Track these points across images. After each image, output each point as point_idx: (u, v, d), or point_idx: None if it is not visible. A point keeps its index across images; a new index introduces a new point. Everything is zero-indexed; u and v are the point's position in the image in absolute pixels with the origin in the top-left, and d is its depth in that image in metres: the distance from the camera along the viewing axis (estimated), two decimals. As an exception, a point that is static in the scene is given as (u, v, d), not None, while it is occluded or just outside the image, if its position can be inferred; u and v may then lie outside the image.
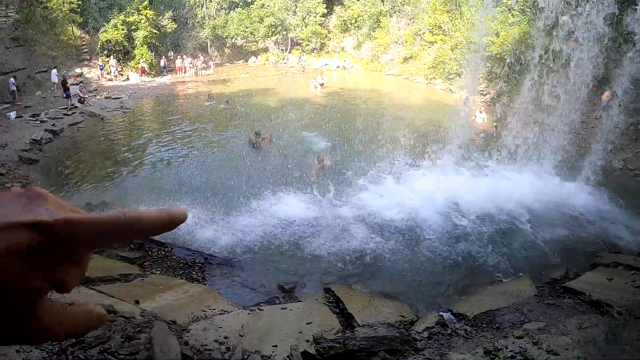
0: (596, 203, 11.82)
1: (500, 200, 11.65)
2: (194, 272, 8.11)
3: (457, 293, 8.24)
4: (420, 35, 29.21)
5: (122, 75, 29.02)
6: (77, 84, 23.25)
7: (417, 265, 9.03)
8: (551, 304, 7.41)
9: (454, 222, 10.78)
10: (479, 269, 9.02)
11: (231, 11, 37.48)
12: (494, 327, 6.86)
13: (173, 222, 0.51)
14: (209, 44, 38.66)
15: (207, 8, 36.36)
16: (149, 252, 8.63)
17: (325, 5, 36.48)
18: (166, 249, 8.78)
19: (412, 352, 5.90)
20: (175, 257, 8.59)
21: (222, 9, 37.49)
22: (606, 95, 15.81)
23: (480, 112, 19.26)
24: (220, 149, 16.72)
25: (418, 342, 6.23)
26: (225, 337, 5.33)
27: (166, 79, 30.60)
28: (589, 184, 12.70)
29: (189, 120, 20.74)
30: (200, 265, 8.38)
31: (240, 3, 37.51)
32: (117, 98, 23.76)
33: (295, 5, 36.75)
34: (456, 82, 25.04)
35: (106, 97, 23.72)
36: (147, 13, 30.40)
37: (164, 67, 31.69)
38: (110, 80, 28.04)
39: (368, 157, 14.95)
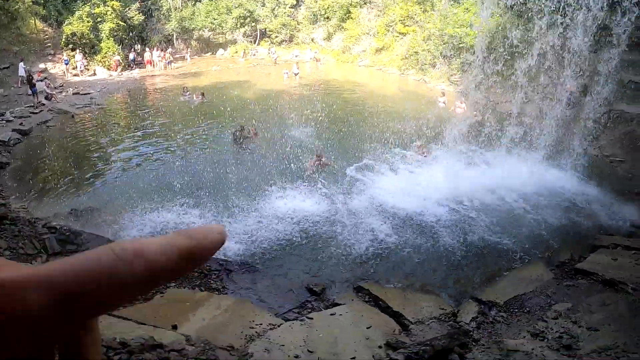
0: (582, 189, 12.05)
1: (497, 188, 11.69)
2: (212, 281, 7.53)
3: (479, 281, 8.17)
4: (392, 26, 28.99)
5: (88, 70, 27.32)
6: (41, 80, 21.68)
7: (434, 256, 8.88)
8: (571, 285, 7.73)
9: (459, 211, 10.66)
10: (491, 256, 8.99)
11: (197, 2, 36.04)
12: (525, 311, 7.09)
13: (209, 247, 0.36)
14: (174, 37, 37.16)
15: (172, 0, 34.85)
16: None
17: (294, -4, 35.69)
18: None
19: (473, 342, 5.91)
20: (188, 265, 7.99)
21: (188, 0, 36.00)
22: (570, 86, 16.12)
23: (461, 102, 19.22)
24: (205, 145, 15.89)
25: (472, 332, 6.30)
26: (296, 357, 4.89)
27: (135, 73, 29.11)
28: (573, 170, 12.91)
29: (166, 116, 19.72)
30: (216, 272, 7.79)
31: (207, -6, 36.12)
32: (87, 94, 22.32)
33: (264, -4, 35.79)
34: (430, 73, 24.98)
35: (75, 93, 22.24)
36: (113, 4, 28.67)
37: (133, 61, 30.13)
38: (76, 75, 26.32)
39: (359, 149, 14.62)
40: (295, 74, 27.93)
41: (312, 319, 6.18)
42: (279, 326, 5.90)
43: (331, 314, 6.39)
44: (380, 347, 5.50)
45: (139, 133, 17.25)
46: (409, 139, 14.87)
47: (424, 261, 8.75)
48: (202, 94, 21.80)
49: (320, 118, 18.08)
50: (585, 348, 5.91)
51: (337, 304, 6.98)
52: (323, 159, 12.67)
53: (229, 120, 17.79)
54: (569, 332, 6.27)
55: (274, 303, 7.13)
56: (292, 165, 12.84)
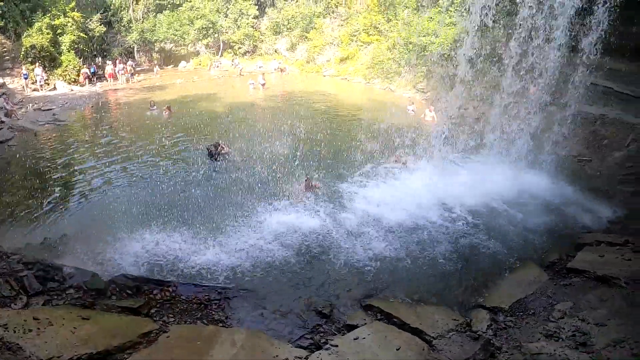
0: (557, 189, 12.10)
1: (478, 193, 11.55)
2: (214, 312, 6.86)
3: (478, 288, 7.94)
4: (355, 35, 28.88)
5: (48, 84, 25.67)
6: (0, 96, 20.13)
7: (431, 266, 8.61)
8: (567, 285, 7.66)
9: (447, 218, 10.46)
10: (485, 262, 8.84)
11: (159, 14, 34.75)
12: (530, 313, 6.97)
13: None
14: (135, 49, 35.71)
15: (133, 11, 33.39)
16: (151, 296, 7.20)
17: (257, 7, 34.99)
18: (170, 289, 7.41)
19: (496, 350, 5.71)
20: (183, 296, 7.22)
21: (149, 11, 34.65)
22: (533, 90, 16.43)
23: (430, 110, 19.24)
24: (179, 162, 14.92)
25: (492, 340, 6.16)
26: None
27: (97, 87, 27.64)
28: (547, 172, 12.95)
29: (134, 132, 18.52)
30: (217, 302, 7.13)
31: (168, 5, 34.86)
32: (49, 110, 20.89)
33: (227, 7, 34.87)
34: (396, 81, 24.97)
35: (36, 109, 20.77)
36: (74, 15, 27.07)
37: (94, 74, 28.62)
38: (36, 90, 24.70)
39: (339, 161, 14.30)
40: (262, 84, 27.42)
41: (337, 346, 5.70)
42: (306, 358, 5.37)
43: (354, 339, 5.92)
44: None
45: (107, 151, 16.03)
46: (386, 149, 14.62)
47: (422, 272, 8.44)
48: (169, 108, 20.83)
49: (295, 130, 17.57)
50: (600, 343, 5.90)
51: (351, 326, 6.53)
52: (312, 182, 11.89)
53: (200, 135, 16.94)
54: (580, 330, 6.23)
55: (283, 330, 6.56)
56: (275, 181, 12.26)
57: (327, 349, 5.64)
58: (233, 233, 9.46)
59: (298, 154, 14.51)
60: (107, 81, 29.02)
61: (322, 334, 6.42)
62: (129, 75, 29.96)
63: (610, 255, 8.27)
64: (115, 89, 27.90)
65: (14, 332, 5.06)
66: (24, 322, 5.34)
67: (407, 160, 13.71)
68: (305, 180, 11.74)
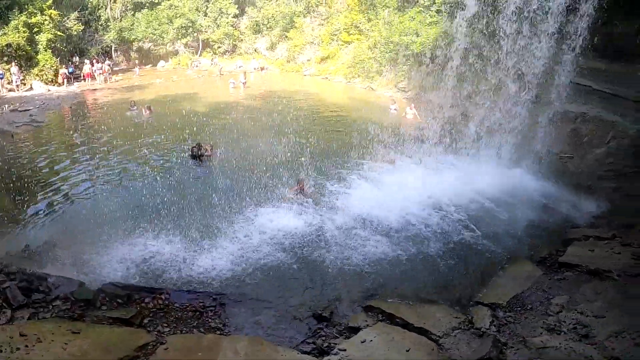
0: (542, 186, 12.11)
1: (467, 191, 11.52)
2: (210, 320, 6.52)
3: (474, 285, 7.83)
4: (336, 35, 28.63)
5: (24, 84, 24.61)
6: (-27, 98, 19.20)
7: (426, 264, 8.46)
8: (561, 279, 7.62)
9: (439, 216, 10.32)
10: (478, 258, 8.75)
11: (137, 12, 33.79)
12: (528, 308, 6.89)
13: None
14: (113, 48, 34.70)
15: (111, 9, 32.36)
16: (143, 305, 6.82)
17: (237, 6, 34.37)
18: (163, 297, 7.02)
19: (503, 346, 5.58)
20: (177, 304, 6.85)
21: (127, 10, 33.64)
22: (513, 89, 16.50)
23: (410, 108, 19.18)
24: (164, 164, 14.38)
25: (497, 336, 6.00)
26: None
27: (74, 87, 26.67)
28: (531, 169, 12.95)
29: (114, 132, 17.78)
30: (212, 308, 6.79)
31: (147, 4, 33.92)
32: (25, 110, 19.96)
33: (206, 5, 34.15)
34: (377, 81, 24.83)
35: (12, 110, 19.83)
36: (51, 13, 25.96)
37: (71, 74, 27.62)
38: (12, 90, 23.67)
39: (326, 160, 14.04)
40: (243, 83, 27.03)
41: (345, 350, 5.47)
42: None
43: (362, 342, 5.71)
44: None
45: (88, 153, 15.37)
46: (373, 148, 14.44)
47: (419, 271, 8.27)
48: (150, 108, 20.21)
49: (279, 130, 17.27)
50: (601, 335, 5.89)
51: (354, 328, 6.30)
52: (305, 187, 11.25)
53: (183, 135, 16.42)
54: (581, 323, 6.19)
55: (283, 335, 6.28)
56: (265, 182, 11.90)
57: (335, 354, 5.40)
58: (224, 236, 9.09)
59: (285, 153, 14.17)
60: (85, 81, 28.07)
61: (324, 338, 6.17)
62: (107, 75, 29.03)
63: (600, 249, 8.32)
64: (93, 89, 26.99)
65: (1, 351, 4.64)
66: (10, 340, 4.92)
67: (395, 160, 13.55)
68: (298, 183, 11.23)
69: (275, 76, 31.36)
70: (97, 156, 15.01)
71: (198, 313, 6.65)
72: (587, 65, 12.33)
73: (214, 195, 11.14)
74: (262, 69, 32.34)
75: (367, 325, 6.24)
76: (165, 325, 6.42)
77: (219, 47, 35.12)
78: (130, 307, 6.73)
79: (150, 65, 35.59)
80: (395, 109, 20.08)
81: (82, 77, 28.36)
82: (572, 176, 12.71)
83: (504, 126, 14.09)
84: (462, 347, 5.68)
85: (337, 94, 25.35)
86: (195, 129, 17.47)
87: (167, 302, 6.90)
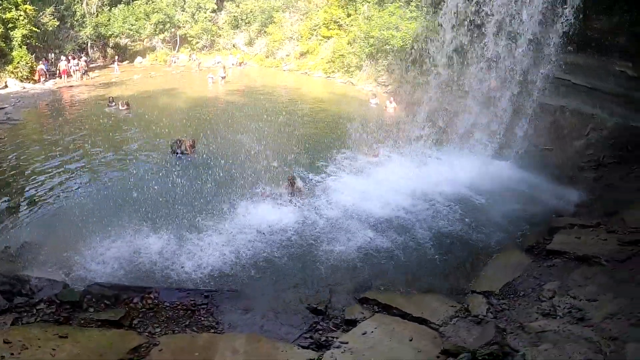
0: (524, 177, 12.15)
1: (452, 182, 11.51)
2: (202, 318, 6.26)
3: (467, 273, 7.82)
4: (315, 30, 28.32)
5: (-2, 82, 23.55)
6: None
7: (417, 254, 8.40)
8: (550, 266, 7.60)
9: (427, 207, 10.28)
10: (467, 248, 8.72)
11: (113, 8, 32.73)
12: (521, 295, 6.86)
13: None
14: (89, 45, 33.56)
15: (87, 4, 31.22)
16: (132, 305, 6.51)
17: (215, 1, 33.65)
18: (152, 296, 6.72)
19: (503, 333, 5.48)
20: (167, 303, 6.56)
21: (103, 5, 32.53)
22: (493, 83, 16.63)
23: (390, 102, 19.13)
24: (145, 160, 13.90)
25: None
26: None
27: (50, 84, 25.67)
28: (513, 161, 13.04)
29: (92, 130, 17.07)
30: (204, 306, 6.53)
31: (123, -1, 32.91)
32: (1, 109, 19.08)
33: (184, 0, 33.31)
34: (357, 75, 24.67)
35: (-14, 109, 18.95)
36: (26, 8, 24.79)
37: (47, 71, 26.57)
38: (-15, 88, 22.61)
39: (311, 154, 13.83)
40: (222, 78, 26.60)
41: (347, 343, 5.30)
42: None
43: (363, 334, 5.55)
44: (438, 356, 4.92)
45: (66, 150, 14.70)
46: (357, 141, 14.29)
47: (410, 261, 8.20)
48: (127, 104, 19.63)
49: (260, 124, 16.93)
50: (597, 317, 5.87)
51: (351, 320, 6.16)
52: (296, 184, 10.70)
53: (162, 131, 15.91)
54: (575, 307, 6.16)
55: (279, 331, 6.08)
56: (250, 176, 11.60)
57: (338, 347, 5.24)
58: (212, 232, 8.81)
59: (269, 147, 13.89)
60: (61, 78, 27.03)
61: (321, 332, 6.01)
62: (84, 71, 28.06)
63: (586, 236, 8.32)
64: (69, 86, 25.99)
65: (-16, 360, 4.32)
66: (-7, 347, 4.59)
67: (378, 152, 13.44)
68: (288, 179, 10.77)
69: (255, 71, 30.88)
70: (76, 154, 14.41)
71: (189, 312, 6.39)
72: (566, 60, 12.37)
73: (199, 190, 10.81)
74: (240, 64, 31.80)
75: (364, 317, 6.10)
76: (156, 325, 6.14)
77: (197, 43, 34.35)
78: (119, 308, 6.42)
79: (127, 61, 34.54)
80: (375, 103, 20.02)
81: (57, 74, 27.30)
82: (553, 168, 12.76)
83: (486, 120, 14.14)
84: (462, 334, 5.60)
85: (317, 88, 25.10)
86: (175, 124, 17.03)
87: (156, 302, 6.61)
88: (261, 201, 10.14)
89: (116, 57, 32.71)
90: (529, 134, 13.74)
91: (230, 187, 10.83)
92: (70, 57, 28.38)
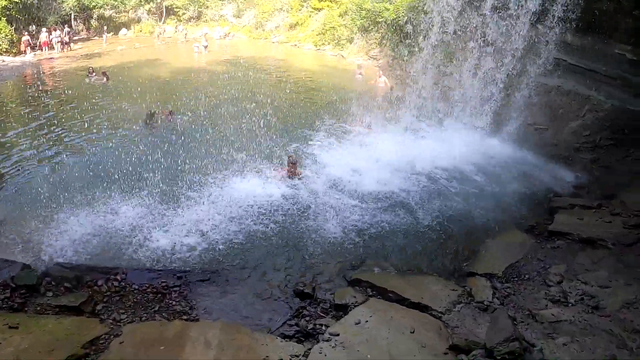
0: (521, 156, 11.55)
1: (449, 158, 10.77)
2: (174, 302, 5.45)
3: (466, 254, 7.11)
4: (306, 1, 26.91)
5: (-24, 55, 21.93)
6: None
7: (413, 233, 7.64)
8: (555, 247, 7.08)
9: (422, 183, 9.52)
10: (466, 227, 7.99)
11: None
12: (525, 278, 6.30)
13: None
14: (72, 17, 31.69)
15: (70, -25, 29.26)
16: (95, 288, 5.67)
17: (202, -29, 31.88)
18: (118, 277, 5.88)
19: (513, 323, 4.78)
20: (135, 286, 5.74)
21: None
22: (490, 62, 15.85)
23: (380, 76, 18.23)
24: (119, 132, 12.57)
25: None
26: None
27: (30, 56, 24.12)
28: (508, 139, 12.38)
29: (68, 101, 15.73)
30: (177, 289, 5.72)
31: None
32: (-24, 82, 17.75)
33: (170, -31, 31.52)
34: (347, 48, 23.54)
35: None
36: (6, -22, 23.09)
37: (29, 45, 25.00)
38: (-36, 61, 21.03)
39: (299, 125, 12.92)
40: (205, 47, 25.59)
41: (337, 334, 4.53)
42: (305, 356, 4.17)
43: (356, 323, 4.79)
44: (446, 353, 4.25)
45: (38, 123, 13.45)
46: (346, 113, 13.42)
47: (404, 239, 7.44)
48: (105, 74, 18.44)
49: (247, 94, 15.95)
50: (613, 305, 5.30)
51: (341, 305, 5.39)
52: (298, 167, 9.35)
53: (141, 101, 14.74)
54: (587, 293, 5.61)
55: (261, 317, 5.30)
56: (234, 147, 10.68)
57: (327, 340, 4.47)
58: (190, 206, 7.92)
59: (254, 117, 12.90)
60: (42, 50, 25.48)
61: (308, 318, 5.24)
62: (65, 43, 26.46)
63: (589, 217, 7.80)
64: (50, 58, 24.51)
65: None
66: None
67: (370, 124, 12.58)
68: (289, 164, 9.26)
69: (243, 43, 29.50)
70: (49, 126, 13.18)
71: (160, 295, 5.57)
72: (563, 40, 11.82)
73: (177, 163, 9.83)
74: (226, 35, 30.38)
75: (357, 302, 5.33)
76: (122, 311, 5.32)
77: (184, 14, 32.70)
78: (81, 292, 5.59)
79: (111, 33, 32.77)
80: (360, 74, 19.17)
81: (38, 46, 25.73)
82: (548, 147, 12.24)
83: (480, 97, 13.39)
84: (469, 323, 4.89)
85: (306, 60, 23.94)
86: (155, 94, 15.93)
87: (123, 284, 5.78)
88: (241, 174, 9.21)
89: (105, 28, 31.08)
90: (524, 113, 13.12)
91: (208, 159, 9.92)
92: (52, 29, 26.80)
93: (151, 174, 9.02)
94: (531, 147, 11.74)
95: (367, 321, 4.74)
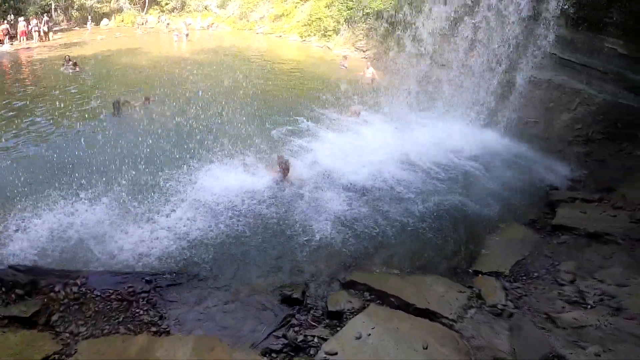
0: (515, 148, 11.01)
1: (442, 150, 10.13)
2: (141, 311, 4.62)
3: (467, 251, 6.45)
4: (292, -9, 25.93)
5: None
6: None
7: (409, 228, 6.92)
8: (561, 243, 6.55)
9: (414, 176, 8.80)
10: (465, 221, 7.31)
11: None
12: (534, 276, 5.71)
13: None
14: (53, 7, 30.12)
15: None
16: (52, 295, 4.79)
17: (185, -40, 30.57)
18: (78, 282, 5.01)
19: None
20: (97, 292, 4.89)
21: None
22: (474, 55, 15.35)
23: (368, 67, 17.54)
24: (88, 120, 11.41)
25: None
26: None
27: (7, 46, 22.74)
28: (501, 132, 11.86)
29: (43, 91, 14.60)
30: (145, 295, 4.88)
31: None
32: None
33: (152, -42, 30.13)
34: (334, 40, 22.69)
35: None
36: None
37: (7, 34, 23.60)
38: None
39: (285, 113, 12.06)
40: (186, 35, 24.86)
41: (335, 353, 3.73)
42: None
43: (357, 337, 3.99)
44: None
45: (10, 114, 12.32)
46: (330, 102, 12.64)
47: (400, 236, 6.71)
48: (75, 64, 17.37)
49: (230, 81, 15.05)
50: (635, 306, 4.71)
51: (335, 313, 4.62)
52: (287, 165, 8.06)
53: (110, 90, 13.85)
54: (606, 293, 5.03)
55: (242, 327, 4.49)
56: (208, 136, 9.79)
57: (326, 358, 3.66)
58: (161, 200, 7.02)
59: (238, 104, 12.00)
60: (19, 41, 24.10)
61: (297, 329, 4.48)
62: (44, 32, 25.11)
63: (592, 211, 7.30)
64: (28, 48, 23.20)
65: None
66: None
67: (359, 111, 11.88)
68: (280, 164, 8.06)
69: (226, 34, 28.37)
70: (12, 117, 11.94)
71: (125, 303, 4.72)
72: (554, 34, 11.26)
73: (148, 154, 8.77)
74: (211, 25, 29.25)
75: (353, 308, 4.56)
76: (81, 322, 4.47)
77: (167, 4, 31.38)
78: (34, 299, 4.71)
79: (93, 23, 31.36)
80: (344, 66, 18.46)
81: (16, 36, 24.33)
82: (540, 141, 11.75)
83: (472, 89, 12.80)
84: (485, 333, 4.17)
85: (291, 51, 23.03)
86: (131, 82, 14.97)
87: (83, 289, 4.91)
88: (219, 163, 8.33)
89: (89, 17, 29.68)
90: (514, 106, 12.65)
91: (184, 148, 9.05)
92: (30, 19, 25.40)
93: (121, 167, 7.99)
94: (523, 140, 11.24)
95: (369, 334, 3.96)
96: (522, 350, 3.49)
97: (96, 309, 4.64)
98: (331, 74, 17.20)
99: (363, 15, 20.54)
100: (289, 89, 15.34)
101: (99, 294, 4.84)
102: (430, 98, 13.44)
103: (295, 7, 25.88)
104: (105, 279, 5.08)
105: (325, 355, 3.72)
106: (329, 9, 23.02)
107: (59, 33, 27.37)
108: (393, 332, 4.00)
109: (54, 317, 4.53)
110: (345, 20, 21.95)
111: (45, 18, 26.96)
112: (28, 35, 24.33)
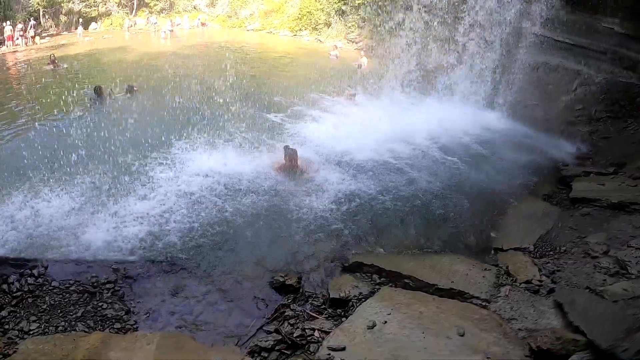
0: (518, 129, 10.43)
1: (445, 129, 9.51)
2: (105, 304, 3.77)
3: (484, 227, 5.70)
4: (281, -13, 25.11)
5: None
6: None
7: (418, 205, 6.22)
8: (585, 215, 5.90)
9: (423, 152, 8.21)
10: (476, 197, 6.60)
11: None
12: (561, 251, 5.02)
13: None
14: (41, 12, 29.15)
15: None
16: (4, 287, 3.94)
17: (173, -40, 29.67)
18: (36, 272, 4.14)
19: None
20: (57, 283, 4.04)
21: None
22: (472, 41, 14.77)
23: (361, 56, 16.88)
24: (59, 112, 10.40)
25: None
26: None
27: (-8, 51, 21.87)
28: (502, 113, 11.29)
29: (19, 90, 13.87)
30: (111, 285, 4.02)
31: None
32: None
33: (139, -41, 29.21)
34: (325, 33, 21.92)
35: None
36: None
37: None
38: None
39: (282, 98, 11.33)
40: (170, 31, 24.53)
41: (344, 349, 2.87)
42: None
43: (369, 327, 3.11)
44: None
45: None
46: (330, 86, 11.94)
47: (408, 214, 5.95)
48: (53, 62, 16.49)
49: (223, 71, 14.23)
50: None
51: (339, 300, 3.78)
52: (299, 161, 6.99)
53: (90, 83, 12.81)
54: None
55: (226, 322, 3.67)
56: (202, 114, 8.97)
57: (330, 356, 2.79)
58: (135, 182, 6.15)
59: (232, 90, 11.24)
60: (6, 46, 23.20)
61: (293, 321, 3.63)
62: (31, 37, 24.23)
63: (610, 183, 6.77)
64: (14, 51, 22.33)
65: None
66: None
67: (354, 94, 11.23)
68: (286, 156, 6.95)
69: (216, 32, 27.56)
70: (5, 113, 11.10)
71: (87, 295, 3.86)
72: (548, 16, 10.84)
73: (125, 138, 7.88)
74: (201, 24, 28.41)
75: (361, 294, 3.72)
76: (34, 318, 3.62)
77: (155, 5, 30.43)
78: (-18, 293, 3.85)
79: (81, 27, 30.45)
80: (335, 56, 17.91)
81: (4, 42, 23.44)
82: (542, 122, 11.08)
83: (470, 72, 12.15)
84: (528, 312, 3.38)
85: (283, 45, 22.27)
86: (115, 75, 14.08)
87: (40, 280, 4.05)
88: (205, 144, 7.48)
89: (80, 21, 28.76)
90: (513, 90, 11.94)
91: (163, 129, 8.23)
92: (17, 23, 24.50)
93: (93, 152, 7.15)
94: (524, 121, 10.70)
95: (385, 322, 3.09)
96: (590, 327, 2.66)
97: (52, 302, 3.80)
98: (322, 64, 16.52)
99: (354, 6, 19.82)
100: (281, 76, 14.63)
101: (57, 285, 3.98)
102: (427, 82, 12.76)
103: (286, 1, 25.09)
104: (66, 268, 4.23)
105: (329, 352, 2.85)
106: (319, 2, 22.26)
107: (46, 38, 26.50)
108: (416, 318, 3.15)
109: (3, 313, 3.68)
110: (336, 13, 21.21)
111: (32, 22, 26.05)
112: (14, 41, 23.52)
